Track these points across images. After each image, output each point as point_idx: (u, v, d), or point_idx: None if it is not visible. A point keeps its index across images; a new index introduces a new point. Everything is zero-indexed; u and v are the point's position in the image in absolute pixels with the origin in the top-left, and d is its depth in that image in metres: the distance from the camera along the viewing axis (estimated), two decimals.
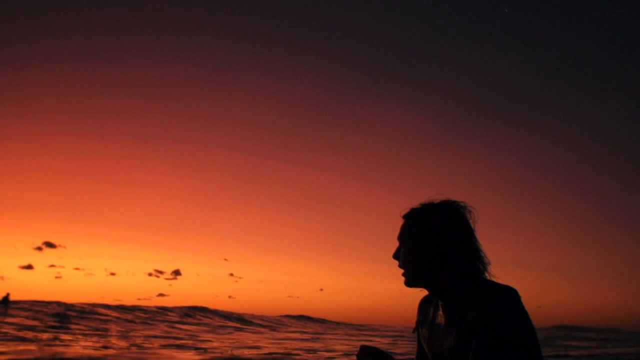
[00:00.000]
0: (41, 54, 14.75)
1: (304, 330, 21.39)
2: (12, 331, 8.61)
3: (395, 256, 0.98)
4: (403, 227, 0.98)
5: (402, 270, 0.97)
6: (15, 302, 18.05)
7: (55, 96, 16.08)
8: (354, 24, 15.94)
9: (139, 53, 15.36)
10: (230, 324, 21.43)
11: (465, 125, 17.68)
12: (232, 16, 15.04)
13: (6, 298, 16.88)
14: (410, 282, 0.96)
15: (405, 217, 0.98)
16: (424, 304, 1.02)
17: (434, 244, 0.92)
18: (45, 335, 8.28)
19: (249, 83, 16.88)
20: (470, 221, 0.94)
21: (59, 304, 20.91)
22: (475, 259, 0.92)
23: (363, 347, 1.03)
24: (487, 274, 0.91)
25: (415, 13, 15.21)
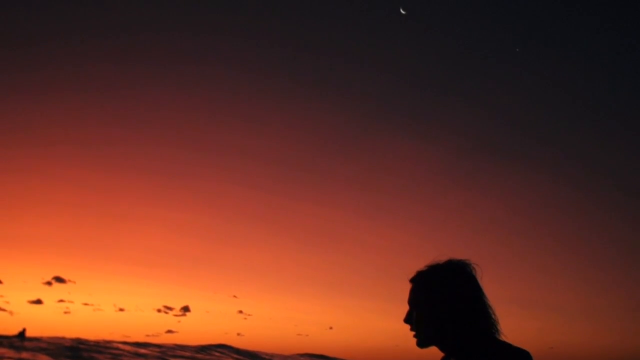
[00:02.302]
0: (52, 84, 15.00)
1: None
2: None
3: (407, 320, 0.98)
4: (412, 291, 0.98)
5: (412, 329, 0.97)
6: (30, 338, 17.95)
7: (66, 128, 16.28)
8: (369, 62, 16.23)
9: (151, 85, 15.66)
10: None
11: (475, 164, 17.88)
12: (246, 49, 15.37)
13: (22, 333, 16.82)
14: (422, 343, 0.96)
15: (413, 280, 0.99)
16: None
17: (445, 305, 0.93)
18: None
19: (263, 118, 17.10)
20: (477, 278, 0.96)
21: (79, 341, 20.76)
22: (485, 316, 0.93)
23: None
24: (497, 331, 0.93)
25: (429, 52, 15.54)
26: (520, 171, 16.81)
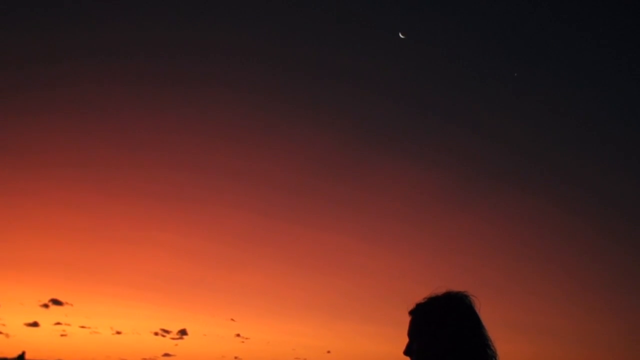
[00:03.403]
0: (50, 105, 15.04)
1: None
2: None
3: (407, 352, 0.98)
4: (412, 324, 0.99)
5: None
6: None
7: (62, 149, 16.23)
8: (368, 85, 16.37)
9: (148, 107, 15.69)
10: None
11: (473, 188, 17.88)
12: (243, 72, 15.48)
13: (22, 356, 16.64)
14: None
15: (412, 313, 1.00)
16: None
17: (445, 338, 0.93)
18: None
19: (260, 142, 17.10)
20: (475, 310, 0.96)
21: None
22: (484, 350, 0.94)
23: None
24: None
25: (427, 76, 15.68)
26: (517, 196, 16.76)
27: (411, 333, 0.99)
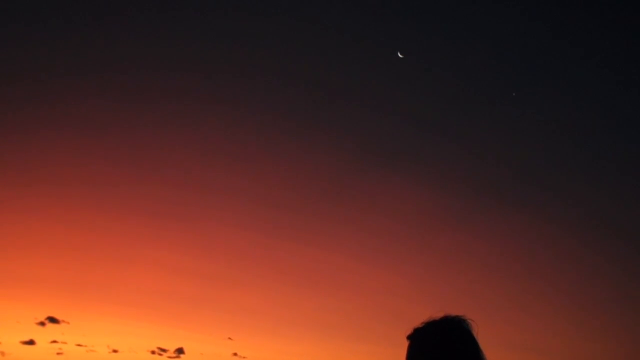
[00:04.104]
0: (46, 120, 15.06)
1: None
2: None
3: None
4: (410, 349, 0.99)
5: None
6: None
7: (60, 166, 16.18)
8: (365, 104, 16.50)
9: (148, 125, 15.72)
10: None
11: (468, 206, 17.87)
12: (243, 90, 15.58)
13: None
14: None
15: (411, 338, 0.99)
16: None
17: None
18: None
19: (258, 160, 17.11)
20: (473, 335, 0.96)
21: None
22: None
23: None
24: None
25: (425, 95, 15.83)
26: (513, 214, 16.78)
27: (410, 358, 1.00)
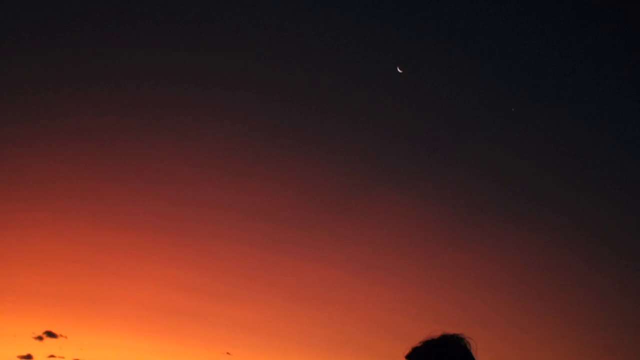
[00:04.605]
0: (44, 135, 14.99)
1: None
2: None
3: None
4: None
5: None
6: None
7: (58, 180, 16.11)
8: (363, 118, 16.55)
9: (145, 138, 15.65)
10: None
11: (469, 223, 17.75)
12: (242, 105, 15.60)
13: None
14: None
15: (410, 357, 0.99)
16: None
17: None
18: None
19: (256, 174, 17.06)
20: (472, 354, 0.96)
21: None
22: None
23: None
24: None
25: (425, 110, 15.86)
26: (514, 231, 16.74)
27: None
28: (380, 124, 17.88)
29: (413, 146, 17.86)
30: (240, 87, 17.08)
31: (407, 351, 1.00)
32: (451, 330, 0.98)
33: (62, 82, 16.06)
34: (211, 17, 15.49)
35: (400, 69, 12.61)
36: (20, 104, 15.31)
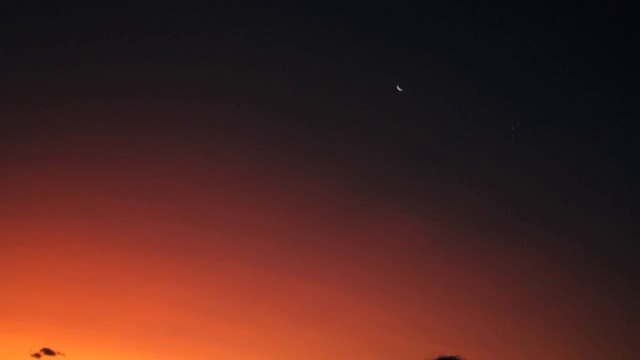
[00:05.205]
0: (46, 150, 14.82)
1: None
2: None
3: None
4: None
5: None
6: None
7: (58, 197, 15.94)
8: (363, 136, 16.51)
9: (146, 155, 15.49)
10: None
11: (466, 240, 17.56)
12: (242, 121, 15.52)
13: None
14: None
15: None
16: None
17: None
18: None
19: (255, 192, 16.92)
20: None
21: None
22: None
23: None
24: None
25: (424, 128, 15.87)
26: (511, 249, 16.72)
27: None
28: (380, 141, 17.86)
29: (412, 165, 17.83)
30: (241, 104, 17.09)
31: None
32: (449, 350, 0.98)
33: (60, 99, 16.03)
34: (211, 31, 15.56)
35: (399, 88, 12.70)
36: (22, 119, 15.31)
